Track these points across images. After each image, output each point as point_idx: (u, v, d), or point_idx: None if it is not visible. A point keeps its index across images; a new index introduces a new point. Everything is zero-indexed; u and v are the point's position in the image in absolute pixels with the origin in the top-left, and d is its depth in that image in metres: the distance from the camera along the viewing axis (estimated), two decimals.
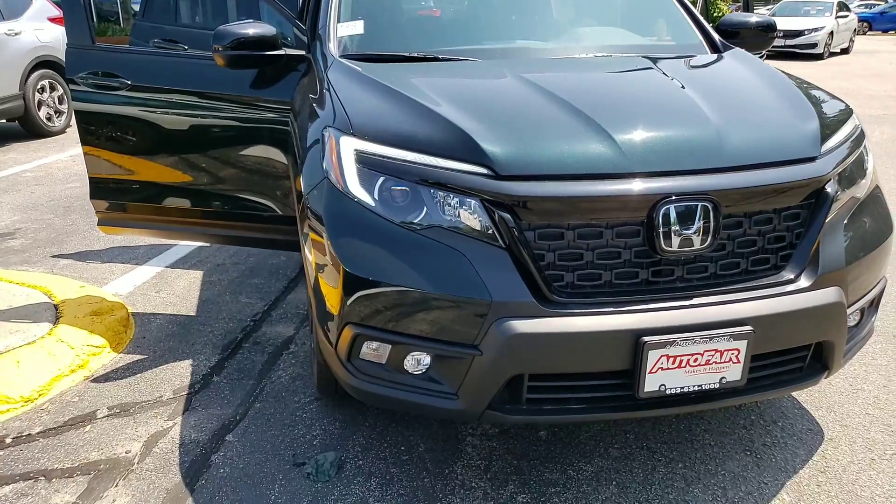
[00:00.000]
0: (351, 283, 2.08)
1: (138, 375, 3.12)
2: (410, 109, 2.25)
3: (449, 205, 2.04)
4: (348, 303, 2.10)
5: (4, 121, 8.43)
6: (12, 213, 5.67)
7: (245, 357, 3.30)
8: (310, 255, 2.32)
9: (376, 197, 2.10)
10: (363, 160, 2.14)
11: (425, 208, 2.06)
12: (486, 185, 1.99)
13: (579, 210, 1.99)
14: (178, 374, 3.14)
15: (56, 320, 3.41)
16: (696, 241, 2.01)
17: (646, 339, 1.96)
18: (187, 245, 4.76)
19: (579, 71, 2.78)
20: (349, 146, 2.18)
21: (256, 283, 4.18)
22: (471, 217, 2.02)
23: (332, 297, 2.17)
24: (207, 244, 4.70)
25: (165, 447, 2.61)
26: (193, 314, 3.76)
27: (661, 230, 1.99)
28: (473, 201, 2.01)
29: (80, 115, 3.46)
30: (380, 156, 2.12)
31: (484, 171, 2.01)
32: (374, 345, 2.15)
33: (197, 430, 2.72)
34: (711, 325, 1.99)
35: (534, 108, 2.28)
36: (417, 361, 2.13)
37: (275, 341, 3.45)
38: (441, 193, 2.05)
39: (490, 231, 2.00)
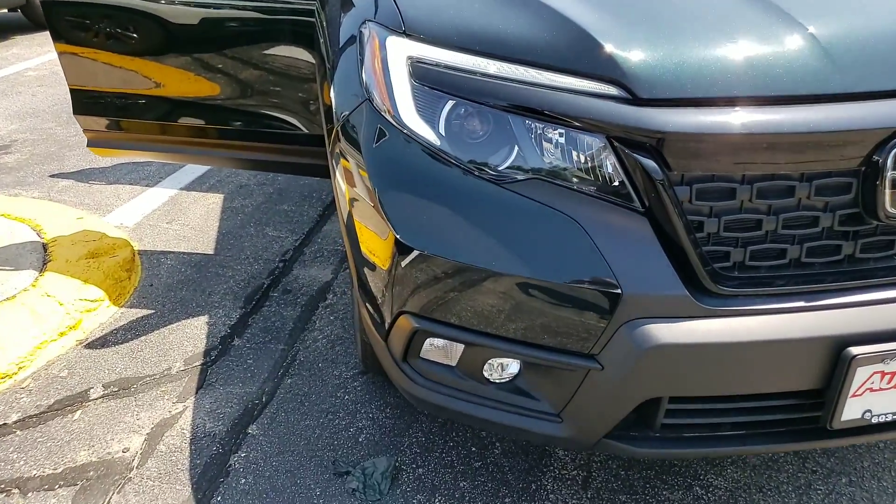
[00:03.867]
0: (408, 260, 1.43)
1: (142, 339, 2.58)
2: None
3: (556, 144, 1.34)
4: (404, 287, 1.46)
5: (6, 10, 7.67)
6: (10, 120, 5.05)
7: (273, 311, 2.72)
8: (345, 204, 1.65)
9: (443, 131, 1.40)
10: (422, 74, 1.42)
11: (517, 149, 1.36)
12: (617, 113, 1.27)
13: (761, 153, 1.26)
14: (192, 336, 2.58)
15: (43, 266, 2.85)
16: None
17: (853, 350, 1.29)
18: None
19: None
20: (401, 51, 1.46)
21: (286, 211, 3.55)
22: (591, 164, 1.32)
23: (380, 271, 1.52)
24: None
25: (173, 443, 2.08)
26: (211, 252, 3.17)
27: (887, 183, 1.27)
28: (595, 140, 1.31)
29: (48, 3, 2.73)
30: (448, 66, 1.39)
31: (614, 91, 1.29)
32: (441, 342, 1.52)
33: (213, 417, 2.18)
34: None
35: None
36: (501, 367, 1.50)
37: (309, 289, 2.86)
38: (543, 127, 1.34)
39: (621, 186, 1.31)
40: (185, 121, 2.84)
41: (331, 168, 1.77)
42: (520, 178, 1.35)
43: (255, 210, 3.56)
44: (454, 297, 1.41)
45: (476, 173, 1.37)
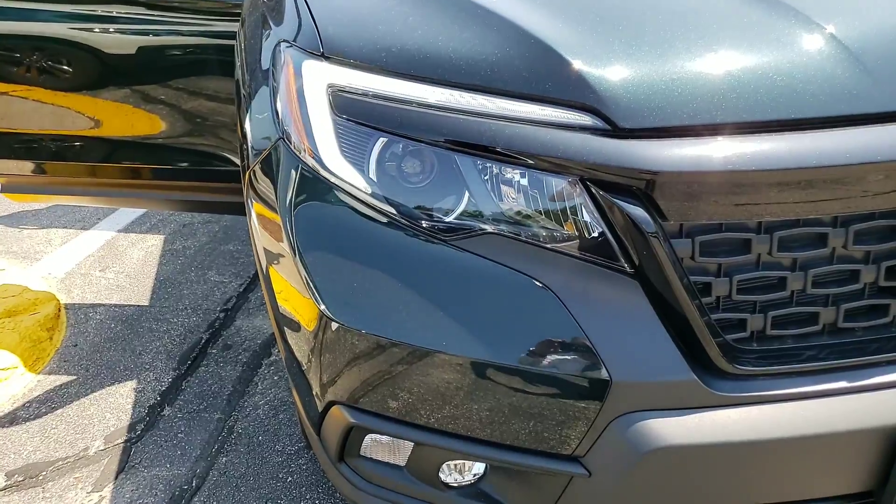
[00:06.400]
0: (338, 339, 1.12)
1: (58, 413, 2.22)
2: (438, 7, 1.20)
3: (516, 189, 1.04)
4: (334, 373, 1.14)
5: None
6: None
7: (210, 372, 2.38)
8: (263, 261, 1.34)
9: (373, 176, 1.09)
10: (346, 106, 1.11)
11: (467, 196, 1.06)
12: (592, 148, 0.98)
13: (782, 192, 0.98)
14: (116, 406, 2.24)
15: None
16: None
17: None
18: None
19: None
20: (319, 79, 1.16)
21: (231, 251, 3.22)
22: (561, 213, 1.02)
23: (307, 349, 1.21)
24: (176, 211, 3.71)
25: None
26: (146, 304, 2.83)
27: None
28: (566, 182, 1.01)
29: None
30: (377, 95, 1.09)
31: (588, 120, 0.99)
32: (384, 437, 1.21)
33: None
34: None
35: (676, 2, 1.19)
36: (462, 467, 1.19)
37: (251, 343, 2.53)
38: (500, 168, 1.04)
39: (602, 241, 1.01)
40: (118, 161, 2.51)
41: (247, 214, 1.46)
42: (472, 231, 1.05)
43: (198, 252, 3.22)
44: (397, 386, 1.10)
45: (417, 228, 1.07)
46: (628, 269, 1.01)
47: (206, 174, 2.44)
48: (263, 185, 1.29)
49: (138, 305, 2.82)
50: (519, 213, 1.04)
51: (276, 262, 1.25)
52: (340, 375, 1.15)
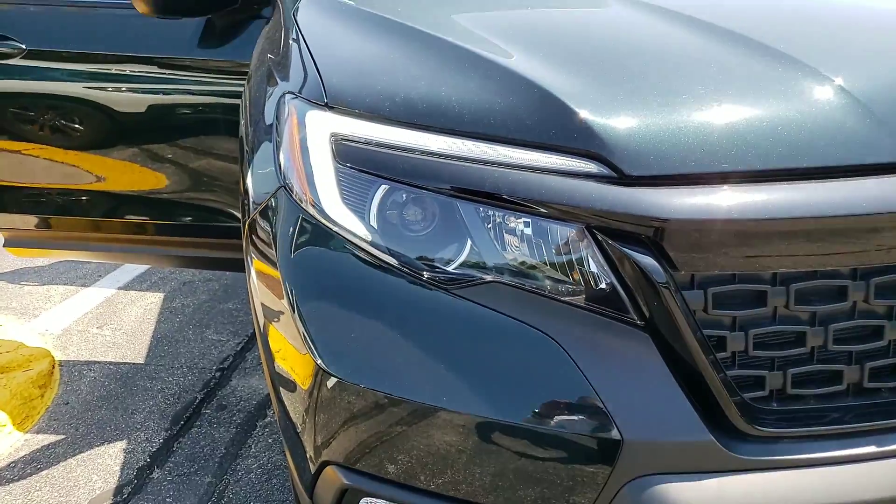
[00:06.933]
0: (334, 394, 1.06)
1: (43, 474, 2.14)
2: (440, 58, 1.19)
3: (520, 237, 1.01)
4: (329, 431, 1.09)
5: None
6: None
7: (203, 433, 2.30)
8: (261, 318, 1.29)
9: (374, 224, 1.06)
10: (349, 154, 1.09)
11: (469, 245, 1.03)
12: (598, 196, 0.95)
13: (796, 243, 0.94)
14: (104, 468, 2.15)
15: None
16: None
17: None
18: None
19: None
20: (322, 128, 1.14)
21: (230, 310, 3.17)
22: (568, 263, 0.99)
23: (300, 408, 1.15)
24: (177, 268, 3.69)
25: None
26: (142, 362, 2.77)
27: None
28: (572, 230, 0.98)
29: None
30: (380, 144, 1.07)
31: (594, 168, 0.97)
32: (381, 502, 1.13)
33: None
34: None
35: (681, 50, 1.19)
36: None
37: (247, 404, 2.45)
38: (503, 216, 1.01)
39: (610, 291, 0.97)
40: (123, 216, 2.50)
41: (246, 270, 1.42)
42: (474, 282, 1.01)
43: (197, 310, 3.17)
44: (395, 445, 1.04)
45: (418, 277, 1.03)
46: (638, 322, 0.96)
47: (210, 230, 2.43)
48: (262, 235, 1.26)
49: (133, 363, 2.75)
50: (523, 262, 1.00)
51: (272, 316, 1.21)
52: (335, 434, 1.09)
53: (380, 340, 1.04)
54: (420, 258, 1.04)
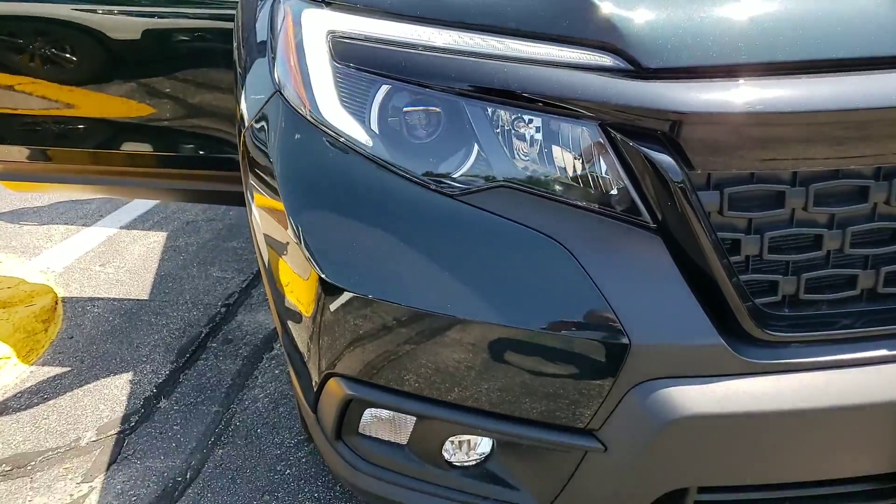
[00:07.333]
0: (336, 305, 1.04)
1: (50, 403, 2.15)
2: None
3: (530, 138, 0.97)
4: (333, 342, 1.07)
5: None
6: None
7: (209, 365, 2.31)
8: (259, 233, 1.27)
9: (375, 128, 1.03)
10: (347, 52, 1.05)
11: (476, 148, 0.99)
12: (614, 91, 0.90)
13: (820, 140, 0.90)
14: (110, 398, 2.16)
15: None
16: None
17: None
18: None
19: None
20: (319, 26, 1.09)
21: (234, 249, 3.15)
22: (579, 163, 0.95)
23: (303, 318, 1.13)
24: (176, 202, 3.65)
25: None
26: (146, 298, 2.76)
27: None
28: (585, 129, 0.94)
29: None
30: (380, 40, 1.02)
31: (609, 61, 0.92)
32: (386, 413, 1.13)
33: (124, 502, 1.76)
34: None
35: None
36: (467, 445, 1.11)
37: (253, 338, 2.45)
38: (512, 114, 0.97)
39: (622, 193, 0.94)
40: (122, 146, 2.44)
41: (246, 202, 1.39)
42: (482, 186, 0.97)
43: (201, 249, 3.16)
44: (398, 354, 1.02)
45: (422, 183, 1.00)
46: (651, 225, 0.93)
47: (212, 162, 2.37)
48: (257, 148, 1.22)
49: (137, 300, 2.75)
50: (533, 163, 0.96)
51: (271, 229, 1.18)
52: (337, 345, 1.07)
53: (382, 248, 1.01)
54: (424, 162, 1.00)
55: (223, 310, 2.64)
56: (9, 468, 1.89)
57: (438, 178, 0.98)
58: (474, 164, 0.99)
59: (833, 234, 0.93)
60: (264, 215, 1.19)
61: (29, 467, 1.89)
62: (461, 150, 1.00)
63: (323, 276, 1.03)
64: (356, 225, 1.04)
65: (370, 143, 1.02)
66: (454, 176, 0.98)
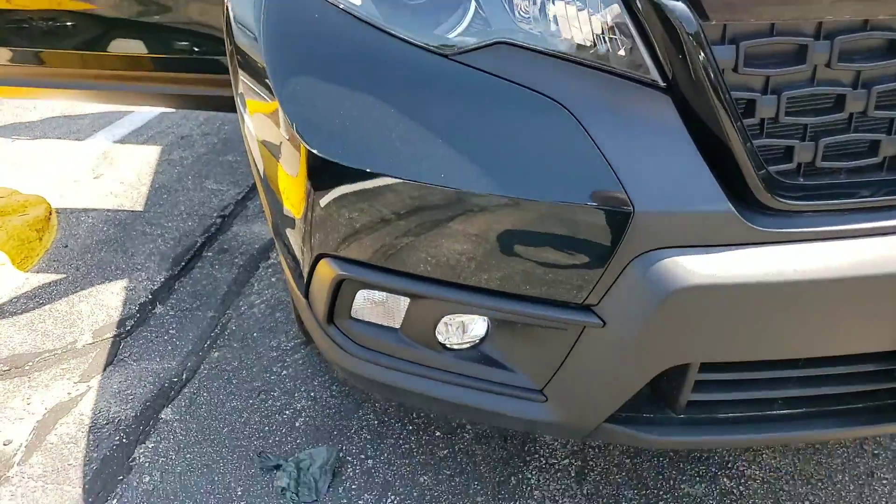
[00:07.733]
0: (322, 178, 0.99)
1: (46, 308, 2.13)
2: None
3: None
4: (323, 220, 1.02)
5: None
6: None
7: (205, 273, 2.28)
8: (248, 119, 1.21)
9: None
10: None
11: (473, 5, 0.91)
12: None
13: None
14: (106, 303, 2.14)
15: None
16: None
17: None
18: (146, 111, 3.63)
19: None
20: None
21: (230, 162, 3.09)
22: (582, 14, 0.88)
23: (292, 198, 1.09)
24: (169, 109, 3.56)
25: (67, 433, 1.65)
26: (140, 209, 2.71)
27: None
28: None
29: None
30: None
31: None
32: (379, 295, 1.09)
33: (120, 400, 1.75)
34: None
35: None
36: (461, 327, 1.07)
37: (249, 248, 2.41)
38: None
39: (630, 46, 0.87)
40: (119, 46, 2.33)
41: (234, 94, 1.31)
42: (478, 45, 0.90)
43: (196, 162, 3.09)
44: (390, 231, 0.98)
45: (416, 43, 0.93)
46: (660, 83, 0.87)
47: (208, 64, 2.27)
48: (240, 21, 1.14)
49: (132, 210, 2.70)
50: (534, 18, 0.89)
51: (258, 105, 1.11)
52: (327, 223, 1.02)
53: (372, 116, 0.95)
54: (418, 22, 0.93)
55: (219, 220, 2.60)
56: (6, 368, 1.89)
57: (430, 34, 0.91)
58: (472, 23, 0.92)
59: (857, 93, 0.86)
60: (247, 86, 1.12)
61: (26, 367, 1.89)
62: (458, 8, 0.92)
63: (309, 147, 0.97)
64: (345, 91, 0.97)
65: (358, 2, 0.95)
66: (448, 30, 0.91)
